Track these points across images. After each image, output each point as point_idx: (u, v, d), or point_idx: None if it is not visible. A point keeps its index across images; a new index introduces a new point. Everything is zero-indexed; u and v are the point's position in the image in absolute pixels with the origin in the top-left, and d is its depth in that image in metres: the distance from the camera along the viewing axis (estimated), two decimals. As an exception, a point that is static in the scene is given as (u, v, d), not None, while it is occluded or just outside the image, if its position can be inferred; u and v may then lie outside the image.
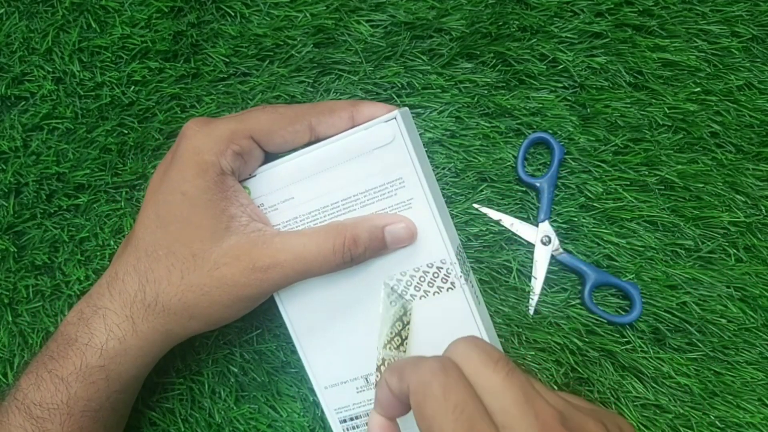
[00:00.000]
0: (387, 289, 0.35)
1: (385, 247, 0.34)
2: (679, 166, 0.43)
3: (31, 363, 0.35)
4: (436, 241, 0.35)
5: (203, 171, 0.32)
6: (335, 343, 0.37)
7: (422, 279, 0.35)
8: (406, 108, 0.36)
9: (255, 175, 0.36)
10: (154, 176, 0.35)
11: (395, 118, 0.33)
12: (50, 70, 0.44)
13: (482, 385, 0.25)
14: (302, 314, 0.37)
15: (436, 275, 0.35)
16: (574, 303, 0.42)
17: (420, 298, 0.35)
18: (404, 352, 0.35)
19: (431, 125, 0.43)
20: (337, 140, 0.34)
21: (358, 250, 0.33)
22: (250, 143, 0.34)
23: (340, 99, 0.43)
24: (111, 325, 0.33)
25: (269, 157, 0.36)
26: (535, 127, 0.43)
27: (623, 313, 0.42)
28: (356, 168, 0.34)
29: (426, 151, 0.43)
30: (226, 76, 0.44)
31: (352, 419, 0.38)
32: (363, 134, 0.34)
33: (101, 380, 0.33)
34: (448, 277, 0.35)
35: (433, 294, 0.35)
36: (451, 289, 0.35)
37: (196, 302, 0.33)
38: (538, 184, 0.42)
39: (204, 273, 0.32)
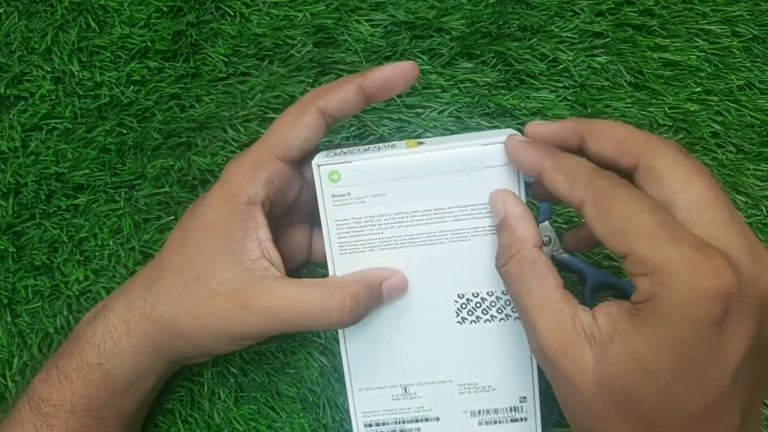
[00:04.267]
0: (456, 306, 0.35)
1: (382, 302, 0.33)
2: (680, 166, 0.43)
3: (46, 362, 0.36)
4: None
5: (229, 200, 0.33)
6: (383, 346, 0.36)
7: (493, 304, 0.34)
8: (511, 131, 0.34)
9: (351, 162, 0.33)
10: (196, 201, 0.36)
11: None
12: (49, 69, 0.43)
13: (688, 199, 0.25)
14: None
15: (507, 302, 0.34)
16: (574, 303, 0.42)
17: (485, 322, 0.35)
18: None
19: (431, 125, 0.43)
20: (449, 149, 0.33)
21: (359, 308, 0.32)
22: (276, 164, 0.33)
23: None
24: (109, 325, 0.34)
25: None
26: (535, 127, 0.43)
27: (624, 313, 0.42)
28: (460, 181, 0.33)
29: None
30: (225, 75, 0.44)
31: (378, 425, 0.37)
32: (478, 149, 0.32)
33: (99, 378, 0.34)
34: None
35: (500, 321, 0.34)
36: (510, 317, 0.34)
37: (186, 324, 0.33)
38: (538, 184, 0.42)
39: (199, 298, 0.32)
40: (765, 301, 0.23)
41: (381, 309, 0.35)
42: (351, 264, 0.35)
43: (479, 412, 0.36)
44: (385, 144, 0.35)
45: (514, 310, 0.34)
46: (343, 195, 0.34)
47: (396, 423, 0.36)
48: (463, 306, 0.34)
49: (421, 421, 0.36)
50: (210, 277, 0.32)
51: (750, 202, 0.43)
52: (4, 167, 0.43)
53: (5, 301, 0.42)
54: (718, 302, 0.22)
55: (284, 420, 0.41)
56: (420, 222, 0.34)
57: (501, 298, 0.34)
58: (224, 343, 0.34)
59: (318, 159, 0.34)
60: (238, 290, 0.32)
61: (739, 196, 0.42)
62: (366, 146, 0.35)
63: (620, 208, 0.25)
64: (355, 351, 0.36)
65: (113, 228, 0.42)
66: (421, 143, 0.34)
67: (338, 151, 0.35)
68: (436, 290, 0.35)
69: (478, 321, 0.35)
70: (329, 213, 0.34)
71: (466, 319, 0.35)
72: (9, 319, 0.42)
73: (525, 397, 0.35)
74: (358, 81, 0.33)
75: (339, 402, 0.41)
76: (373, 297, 0.32)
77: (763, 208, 0.43)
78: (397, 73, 0.32)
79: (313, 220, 0.39)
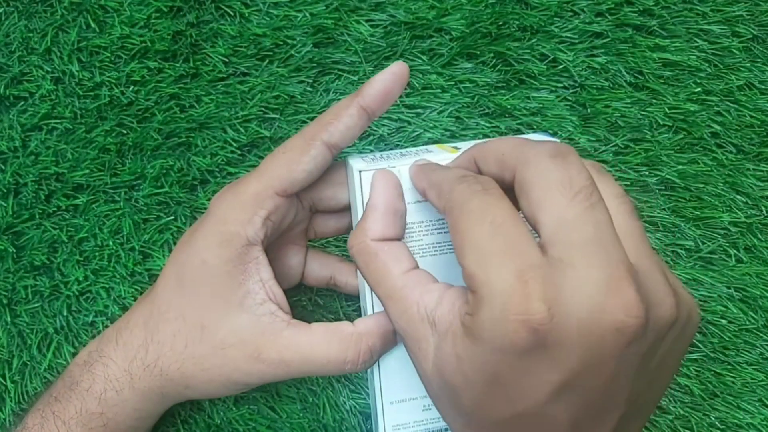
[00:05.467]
0: None
1: (395, 345, 0.33)
2: (680, 167, 0.43)
3: (38, 400, 0.35)
4: None
5: (227, 242, 0.32)
6: None
7: None
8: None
9: (394, 167, 0.32)
10: (184, 236, 0.35)
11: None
12: (49, 69, 0.43)
13: (548, 216, 0.22)
14: None
15: None
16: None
17: None
18: None
19: (431, 125, 0.43)
20: None
21: (372, 359, 0.32)
22: (276, 200, 0.32)
23: (339, 99, 0.43)
24: (110, 375, 0.33)
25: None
26: (535, 127, 0.43)
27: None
28: None
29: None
30: (225, 75, 0.44)
31: None
32: None
33: (100, 427, 0.33)
34: None
35: None
36: None
37: (194, 375, 0.32)
38: (538, 185, 0.42)
39: (208, 348, 0.32)
40: (604, 333, 0.21)
41: None
42: None
43: None
44: (419, 149, 0.33)
45: None
46: None
47: None
48: None
49: None
50: (217, 326, 0.32)
51: (750, 202, 0.43)
52: (4, 167, 0.43)
53: (5, 301, 0.42)
54: (523, 335, 0.21)
55: (284, 420, 0.41)
56: None
57: None
58: (233, 390, 0.33)
59: (358, 164, 0.32)
60: (249, 341, 0.31)
61: (739, 196, 0.42)
62: (400, 151, 0.34)
63: (465, 219, 0.24)
64: (389, 364, 0.35)
65: (113, 228, 0.42)
66: (457, 148, 0.33)
67: (374, 156, 0.33)
68: None
69: None
70: None
71: None
72: (9, 319, 0.42)
73: None
74: (358, 102, 0.31)
75: (339, 402, 0.41)
76: (388, 345, 0.32)
77: (763, 208, 0.43)
78: (392, 79, 0.31)
79: (306, 240, 0.38)
